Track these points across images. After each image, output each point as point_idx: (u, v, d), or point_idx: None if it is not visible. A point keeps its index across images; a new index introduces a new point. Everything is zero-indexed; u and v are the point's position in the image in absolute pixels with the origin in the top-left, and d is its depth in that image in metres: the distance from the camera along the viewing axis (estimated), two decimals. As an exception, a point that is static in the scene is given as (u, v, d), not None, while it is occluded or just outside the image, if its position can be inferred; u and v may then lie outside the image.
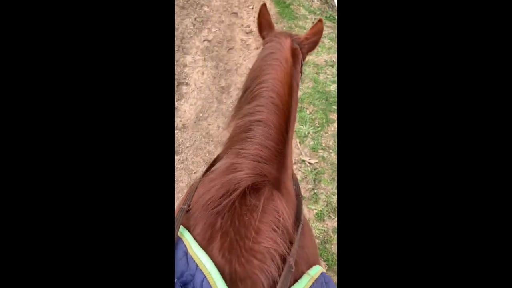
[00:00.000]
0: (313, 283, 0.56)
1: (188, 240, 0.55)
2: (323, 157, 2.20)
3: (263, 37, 0.98)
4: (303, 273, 0.59)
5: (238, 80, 2.68)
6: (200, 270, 0.50)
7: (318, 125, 2.39)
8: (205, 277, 0.49)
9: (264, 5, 1.02)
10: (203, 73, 2.71)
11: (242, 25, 3.23)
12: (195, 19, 3.23)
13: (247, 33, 3.15)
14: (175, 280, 0.49)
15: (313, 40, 0.97)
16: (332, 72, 2.80)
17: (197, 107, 2.44)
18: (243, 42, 3.04)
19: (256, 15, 1.03)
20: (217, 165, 0.70)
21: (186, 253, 0.53)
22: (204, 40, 3.01)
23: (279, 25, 3.22)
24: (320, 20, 0.99)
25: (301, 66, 0.94)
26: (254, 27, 3.17)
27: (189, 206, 0.63)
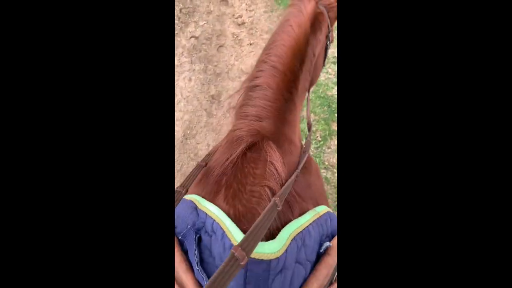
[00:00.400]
0: (317, 218, 0.61)
1: (196, 199, 0.61)
2: (326, 178, 1.97)
3: (289, 5, 0.92)
4: (308, 209, 0.64)
5: (230, 86, 2.38)
6: (210, 216, 0.56)
7: (320, 139, 2.12)
8: (214, 220, 0.55)
9: None
10: (190, 79, 2.42)
11: (233, 15, 2.84)
12: (180, 10, 2.85)
13: (239, 25, 2.77)
14: (188, 226, 0.56)
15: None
16: (334, 71, 2.46)
17: (184, 123, 2.19)
18: (235, 37, 2.69)
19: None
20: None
21: (195, 208, 0.59)
22: (190, 37, 2.67)
23: (275, 13, 2.82)
24: None
25: (329, 31, 0.90)
26: (246, 18, 2.79)
27: (206, 163, 0.69)
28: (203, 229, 0.55)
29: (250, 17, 2.77)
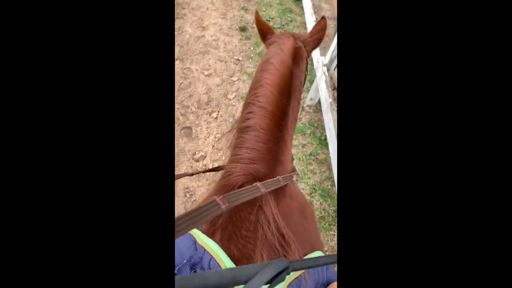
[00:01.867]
0: None
1: (196, 232, 0.61)
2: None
3: (266, 45, 0.97)
4: (305, 254, 0.65)
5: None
6: (208, 252, 0.56)
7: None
8: (212, 257, 0.55)
9: (256, 12, 1.04)
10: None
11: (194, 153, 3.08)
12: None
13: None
14: (184, 261, 0.55)
15: (317, 37, 0.98)
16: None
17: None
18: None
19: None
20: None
21: (194, 242, 0.59)
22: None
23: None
24: (323, 18, 1.00)
25: (307, 63, 0.95)
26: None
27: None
28: (199, 265, 0.55)
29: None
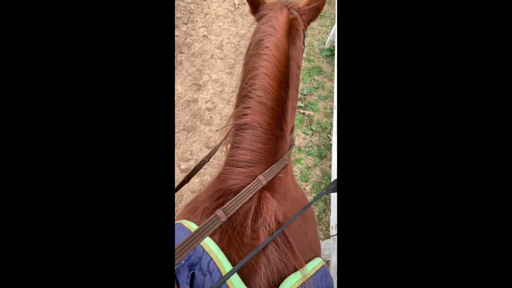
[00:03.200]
0: (314, 273, 0.63)
1: (193, 227, 0.60)
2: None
3: (257, 17, 0.83)
4: (306, 260, 0.66)
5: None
6: (207, 253, 0.55)
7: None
8: (212, 258, 0.54)
9: None
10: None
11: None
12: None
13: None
14: (182, 261, 0.53)
15: (316, 5, 0.84)
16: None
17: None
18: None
19: None
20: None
21: None
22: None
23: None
24: None
25: (304, 36, 0.84)
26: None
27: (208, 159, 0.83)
28: (197, 265, 0.54)
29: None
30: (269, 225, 0.61)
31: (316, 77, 2.69)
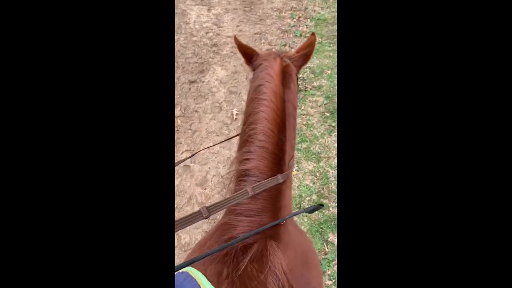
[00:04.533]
0: None
1: (201, 279, 0.58)
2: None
3: (253, 67, 0.92)
4: None
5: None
6: None
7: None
8: None
9: (235, 37, 1.00)
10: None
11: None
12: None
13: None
14: None
15: (305, 52, 0.94)
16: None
17: None
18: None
19: None
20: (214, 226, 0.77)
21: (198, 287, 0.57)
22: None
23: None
24: (313, 34, 0.97)
25: (297, 79, 0.94)
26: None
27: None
28: None
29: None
30: (278, 279, 0.62)
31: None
